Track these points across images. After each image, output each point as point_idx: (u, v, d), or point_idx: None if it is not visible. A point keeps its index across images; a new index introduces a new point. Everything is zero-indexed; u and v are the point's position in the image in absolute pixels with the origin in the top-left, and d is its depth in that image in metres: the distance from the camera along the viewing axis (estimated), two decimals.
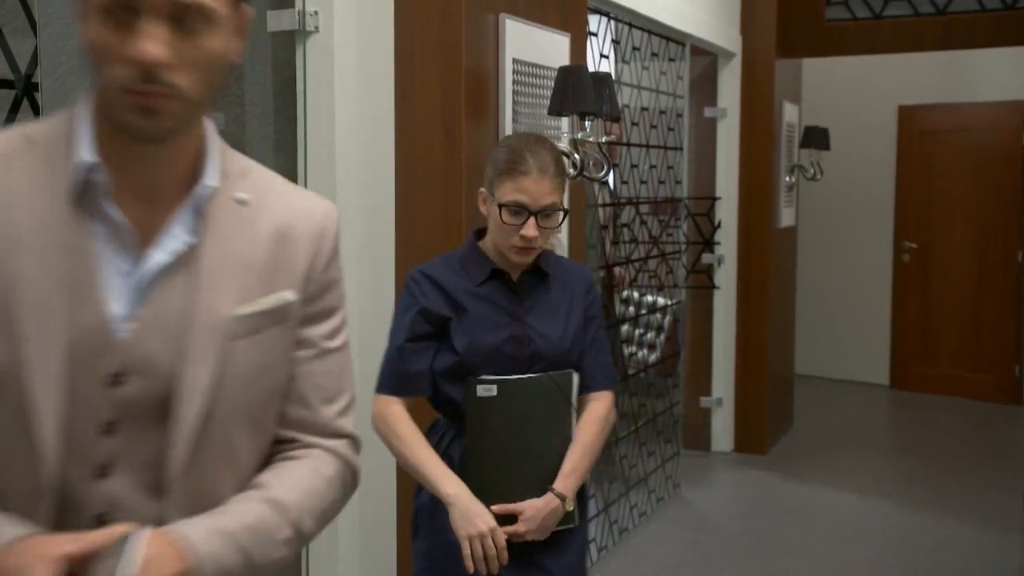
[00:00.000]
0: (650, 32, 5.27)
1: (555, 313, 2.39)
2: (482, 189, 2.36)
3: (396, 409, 2.35)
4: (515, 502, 2.31)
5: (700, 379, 6.54)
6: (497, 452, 2.33)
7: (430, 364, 2.34)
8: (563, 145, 3.44)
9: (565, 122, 3.43)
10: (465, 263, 2.37)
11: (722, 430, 6.59)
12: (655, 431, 5.58)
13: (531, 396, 2.34)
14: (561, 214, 2.35)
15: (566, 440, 2.40)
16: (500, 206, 2.28)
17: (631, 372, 5.32)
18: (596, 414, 2.45)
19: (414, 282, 2.35)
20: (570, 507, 2.36)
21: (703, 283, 6.47)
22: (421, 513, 2.42)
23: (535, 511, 2.31)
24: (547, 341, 2.35)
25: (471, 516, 2.24)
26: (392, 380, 2.35)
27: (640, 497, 5.28)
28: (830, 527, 5.22)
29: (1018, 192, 7.88)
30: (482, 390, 2.29)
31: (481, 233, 2.43)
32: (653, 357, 5.86)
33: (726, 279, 6.48)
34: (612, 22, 4.81)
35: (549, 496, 2.34)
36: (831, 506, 5.53)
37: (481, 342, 2.30)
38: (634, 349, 5.75)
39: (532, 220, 2.28)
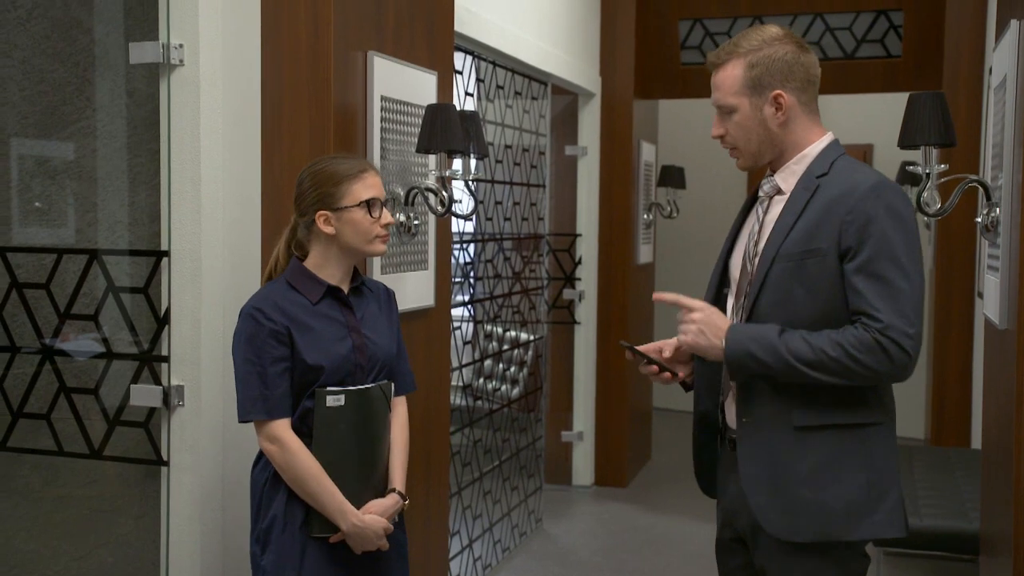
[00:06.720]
0: (513, 71, 5.35)
1: (379, 322, 2.61)
2: (321, 212, 2.50)
3: (292, 436, 2.44)
4: (358, 506, 2.49)
5: (562, 413, 6.60)
6: (344, 459, 2.49)
7: (290, 383, 2.45)
8: (430, 182, 3.45)
9: (433, 160, 3.44)
10: (297, 285, 2.51)
11: (583, 464, 6.66)
12: (518, 466, 5.61)
13: (369, 404, 2.52)
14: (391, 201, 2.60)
15: (388, 444, 2.62)
16: (358, 205, 2.49)
17: (494, 408, 5.34)
18: (404, 416, 2.69)
19: (256, 311, 2.45)
20: (406, 502, 2.62)
21: (564, 318, 6.55)
22: (275, 528, 2.47)
23: (382, 509, 2.53)
24: (380, 348, 2.57)
25: (371, 539, 2.49)
26: (264, 404, 2.43)
27: (503, 532, 5.29)
28: (690, 557, 5.33)
29: None
30: (331, 400, 2.45)
31: (301, 259, 2.57)
32: (516, 392, 5.90)
33: (587, 314, 6.58)
34: (477, 61, 4.86)
35: (395, 496, 2.58)
36: (690, 536, 5.65)
37: (334, 353, 2.47)
38: (497, 384, 5.78)
39: (386, 208, 2.55)
